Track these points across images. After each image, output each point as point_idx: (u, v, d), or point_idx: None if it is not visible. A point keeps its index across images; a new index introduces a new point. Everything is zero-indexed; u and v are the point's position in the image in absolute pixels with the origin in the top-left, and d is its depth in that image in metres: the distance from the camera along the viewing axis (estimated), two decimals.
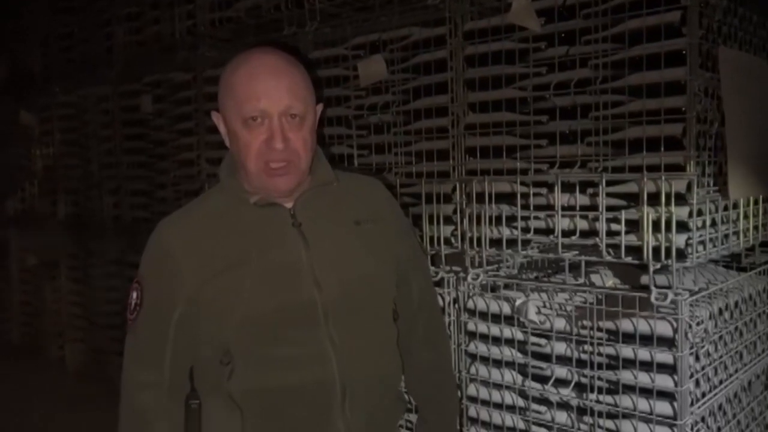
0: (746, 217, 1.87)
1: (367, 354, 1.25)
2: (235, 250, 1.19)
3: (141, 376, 1.22)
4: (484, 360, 1.90)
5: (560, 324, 1.74)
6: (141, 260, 1.26)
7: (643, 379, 1.58)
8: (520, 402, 1.82)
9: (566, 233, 1.75)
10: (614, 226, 1.65)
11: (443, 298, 1.96)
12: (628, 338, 1.60)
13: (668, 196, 1.54)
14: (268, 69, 1.18)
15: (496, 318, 1.86)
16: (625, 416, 1.62)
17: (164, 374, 1.21)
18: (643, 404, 1.58)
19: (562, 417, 1.74)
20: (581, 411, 1.71)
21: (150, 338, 1.21)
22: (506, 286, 1.87)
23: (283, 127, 1.17)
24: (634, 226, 1.61)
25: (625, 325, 1.61)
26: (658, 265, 1.56)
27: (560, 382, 1.74)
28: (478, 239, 1.90)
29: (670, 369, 1.55)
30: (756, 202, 1.92)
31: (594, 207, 1.69)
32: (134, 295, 1.23)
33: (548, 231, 1.81)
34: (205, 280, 1.17)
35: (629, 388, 1.61)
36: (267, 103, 1.16)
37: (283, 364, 1.18)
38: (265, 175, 1.19)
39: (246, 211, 1.22)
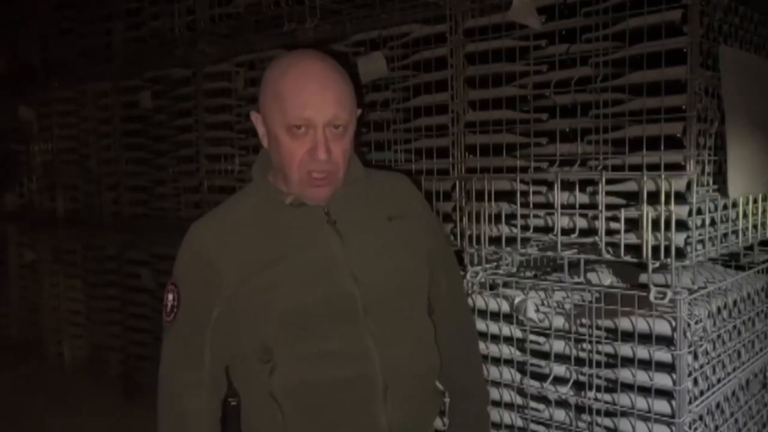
0: (745, 216, 1.87)
1: (406, 348, 1.26)
2: (272, 250, 1.19)
3: (181, 377, 1.23)
4: (483, 357, 1.90)
5: (559, 322, 1.74)
6: (176, 262, 1.26)
7: (642, 377, 1.58)
8: (519, 400, 1.82)
9: (566, 231, 1.75)
10: (614, 225, 1.65)
11: None
12: (627, 336, 1.61)
13: (668, 194, 1.54)
14: (316, 77, 1.16)
15: (495, 316, 1.86)
16: (624, 414, 1.62)
17: (204, 375, 1.22)
18: (641, 402, 1.58)
19: (560, 415, 1.75)
20: (579, 409, 1.71)
21: (189, 339, 1.22)
22: (505, 284, 1.87)
23: (326, 138, 1.17)
24: (633, 224, 1.61)
25: (624, 323, 1.61)
26: (657, 264, 1.56)
27: (559, 380, 1.74)
28: (478, 237, 1.90)
29: (668, 367, 1.55)
30: (755, 201, 1.93)
31: (594, 205, 1.69)
32: (170, 297, 1.24)
33: (548, 229, 1.81)
34: (242, 279, 1.17)
35: (628, 387, 1.61)
36: (313, 113, 1.15)
37: (324, 359, 1.19)
38: (307, 185, 1.20)
39: (281, 211, 1.23)
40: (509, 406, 1.84)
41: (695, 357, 1.60)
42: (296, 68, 1.18)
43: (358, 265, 1.22)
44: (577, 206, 1.72)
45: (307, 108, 1.15)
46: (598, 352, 1.66)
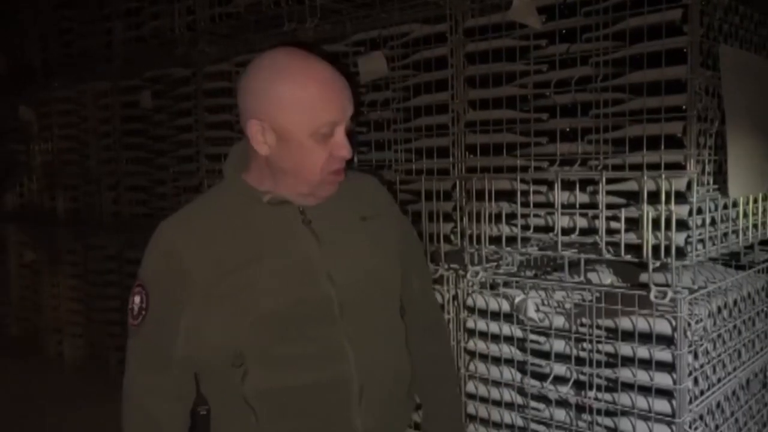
0: (746, 215, 1.87)
1: (381, 350, 1.25)
2: (246, 249, 1.17)
3: (149, 381, 1.19)
4: (483, 357, 1.90)
5: (559, 322, 1.74)
6: (142, 263, 1.22)
7: (642, 376, 1.58)
8: (519, 399, 1.82)
9: (566, 231, 1.75)
10: (614, 224, 1.65)
11: (442, 296, 1.96)
12: (627, 336, 1.61)
13: (668, 194, 1.54)
14: (332, 79, 1.16)
15: (496, 315, 1.86)
16: (624, 414, 1.62)
17: (173, 379, 1.19)
18: (641, 402, 1.59)
19: (560, 414, 1.75)
20: (580, 408, 1.71)
21: (156, 343, 1.18)
22: (506, 284, 1.87)
23: (346, 136, 1.19)
24: (633, 224, 1.61)
25: (624, 323, 1.61)
26: (658, 264, 1.56)
27: (559, 380, 1.74)
28: (478, 237, 1.90)
29: (668, 367, 1.55)
30: (755, 201, 1.93)
31: (594, 205, 1.69)
32: (137, 299, 1.20)
33: (548, 229, 1.81)
34: (215, 281, 1.14)
35: (628, 386, 1.61)
36: (339, 115, 1.17)
37: (300, 362, 1.17)
38: (327, 184, 1.20)
39: (256, 209, 1.20)
40: (510, 405, 1.84)
41: (695, 356, 1.61)
42: (314, 76, 1.15)
43: (333, 265, 1.20)
44: (578, 206, 1.72)
45: (335, 111, 1.16)
46: (599, 352, 1.66)
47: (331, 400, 1.19)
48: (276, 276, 1.16)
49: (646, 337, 1.58)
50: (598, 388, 1.66)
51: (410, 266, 1.39)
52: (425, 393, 1.46)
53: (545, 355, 1.77)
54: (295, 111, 1.14)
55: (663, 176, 1.55)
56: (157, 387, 1.19)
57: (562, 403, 1.75)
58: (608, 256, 1.65)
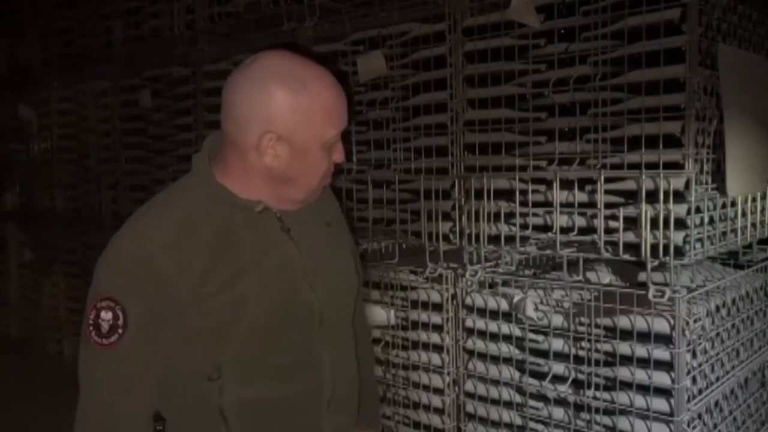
0: (744, 214, 1.87)
1: (346, 356, 1.28)
2: (230, 259, 1.11)
3: (129, 407, 1.09)
4: (482, 356, 1.90)
5: (558, 321, 1.74)
6: (108, 273, 1.09)
7: (640, 375, 1.58)
8: (518, 398, 1.83)
9: (564, 230, 1.75)
10: (612, 224, 1.66)
11: (441, 295, 1.96)
12: (626, 335, 1.61)
13: (666, 193, 1.54)
14: (340, 90, 1.16)
15: (494, 314, 1.86)
16: (622, 413, 1.62)
17: (151, 402, 1.11)
18: (640, 401, 1.59)
19: (559, 413, 1.75)
20: (578, 407, 1.71)
21: (143, 362, 1.09)
22: (504, 283, 1.87)
23: None
24: (632, 223, 1.62)
25: (623, 321, 1.61)
26: (656, 262, 1.56)
27: (557, 379, 1.74)
28: (477, 236, 1.90)
29: (667, 366, 1.56)
30: (754, 200, 1.93)
31: (592, 204, 1.70)
32: (108, 315, 1.06)
33: (546, 228, 1.81)
34: (197, 292, 1.07)
35: (626, 385, 1.61)
36: (344, 124, 1.18)
37: (279, 372, 1.16)
38: (318, 189, 1.21)
39: (236, 216, 1.15)
40: (508, 404, 1.84)
41: (694, 355, 1.61)
42: (322, 82, 1.13)
43: (312, 273, 1.19)
44: (576, 205, 1.72)
45: (343, 120, 1.16)
46: (597, 351, 1.66)
47: (304, 408, 1.19)
48: (261, 286, 1.12)
49: (644, 336, 1.58)
50: (597, 386, 1.66)
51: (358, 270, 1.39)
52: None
53: (544, 354, 1.77)
54: (315, 122, 1.12)
55: (661, 175, 1.56)
56: (138, 412, 1.10)
57: (561, 401, 1.75)
58: (607, 255, 1.65)
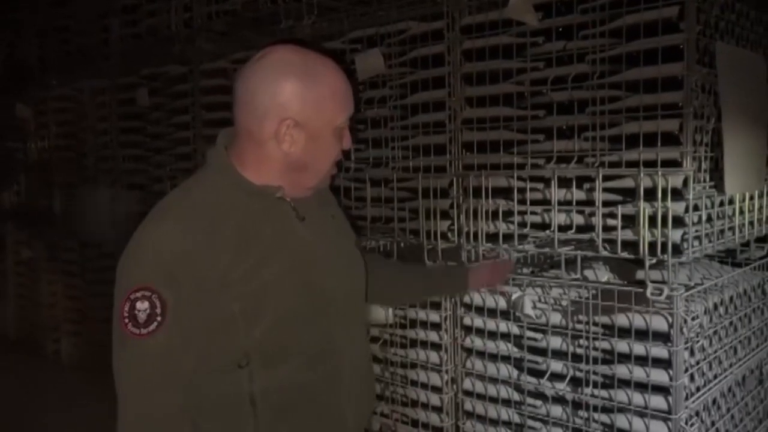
0: (742, 212, 1.87)
1: (361, 342, 1.35)
2: (254, 245, 1.15)
3: (172, 400, 1.09)
4: (480, 354, 1.90)
5: (556, 319, 1.75)
6: (144, 265, 1.09)
7: (638, 373, 1.59)
8: (516, 396, 1.83)
9: (562, 228, 1.75)
10: (610, 222, 1.66)
11: None
12: (624, 333, 1.61)
13: (664, 191, 1.54)
14: (345, 78, 1.22)
15: (492, 312, 1.86)
16: (620, 410, 1.62)
17: (186, 393, 1.11)
18: (637, 398, 1.59)
19: (557, 411, 1.75)
20: (576, 405, 1.72)
21: (179, 353, 1.09)
22: None
23: None
24: (630, 221, 1.62)
25: (621, 319, 1.61)
26: (654, 260, 1.56)
27: (556, 377, 1.74)
28: (475, 234, 1.91)
29: (665, 363, 1.56)
30: (751, 198, 1.93)
31: (590, 202, 1.70)
32: (144, 305, 1.06)
33: (544, 226, 1.81)
34: (227, 280, 1.10)
35: (624, 383, 1.61)
36: (352, 110, 1.24)
37: (302, 359, 1.19)
38: (328, 175, 1.27)
39: (256, 205, 1.18)
40: (506, 402, 1.84)
41: (692, 353, 1.61)
42: (334, 74, 1.20)
43: (328, 261, 1.24)
44: (574, 203, 1.72)
45: (351, 106, 1.23)
46: (595, 349, 1.67)
47: (327, 395, 1.23)
48: (283, 273, 1.17)
49: (642, 334, 1.58)
50: (595, 384, 1.67)
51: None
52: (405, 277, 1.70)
53: (542, 352, 1.77)
54: (327, 108, 1.18)
55: (659, 173, 1.56)
56: (180, 401, 1.10)
57: (559, 399, 1.75)
58: (605, 253, 1.65)
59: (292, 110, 1.15)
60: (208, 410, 1.15)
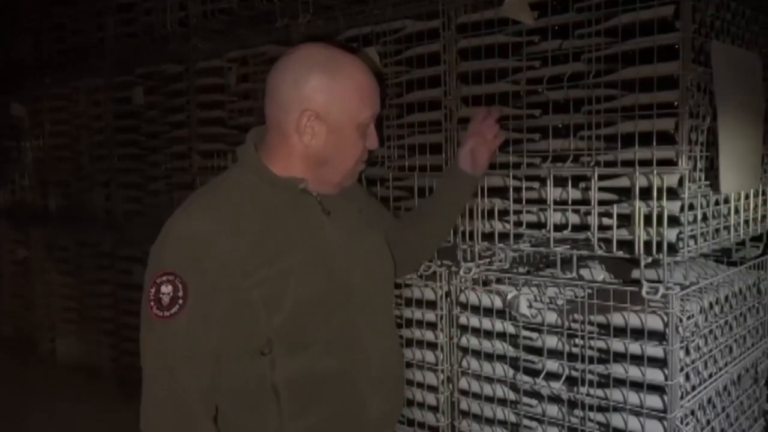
0: (737, 211, 1.88)
1: (388, 334, 1.36)
2: (280, 238, 1.18)
3: (190, 377, 1.11)
4: (476, 353, 1.90)
5: (552, 318, 1.74)
6: (171, 252, 1.13)
7: (634, 372, 1.59)
8: (512, 395, 1.83)
9: (558, 227, 1.75)
10: (606, 221, 1.66)
11: (435, 292, 1.96)
12: (619, 332, 1.61)
13: (660, 190, 1.54)
14: (373, 76, 1.26)
15: (488, 312, 1.86)
16: (616, 409, 1.63)
17: (212, 374, 1.14)
18: (633, 398, 1.59)
19: (553, 410, 1.75)
20: (572, 404, 1.72)
21: (199, 333, 1.12)
22: (498, 280, 1.87)
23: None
24: (625, 220, 1.62)
25: (616, 319, 1.61)
26: (650, 260, 1.56)
27: (551, 376, 1.74)
28: (471, 233, 1.90)
29: (660, 363, 1.56)
30: (747, 197, 1.93)
31: (586, 201, 1.70)
32: (168, 288, 1.10)
33: (540, 225, 1.81)
34: (251, 269, 1.13)
35: (620, 382, 1.61)
36: (377, 109, 1.27)
37: (325, 348, 1.20)
38: (353, 173, 1.30)
39: (283, 198, 1.22)
40: (502, 401, 1.84)
41: (687, 352, 1.61)
42: (358, 66, 1.23)
43: (353, 254, 1.27)
44: (570, 202, 1.72)
45: (376, 104, 1.26)
46: (591, 348, 1.67)
47: (349, 385, 1.24)
48: (305, 264, 1.18)
49: (638, 333, 1.58)
50: (590, 383, 1.67)
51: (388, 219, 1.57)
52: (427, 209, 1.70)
53: (538, 351, 1.77)
54: (350, 102, 1.21)
55: (655, 172, 1.56)
56: (201, 381, 1.12)
57: (555, 398, 1.75)
58: (600, 252, 1.65)
59: (314, 102, 1.19)
60: (232, 396, 1.19)
